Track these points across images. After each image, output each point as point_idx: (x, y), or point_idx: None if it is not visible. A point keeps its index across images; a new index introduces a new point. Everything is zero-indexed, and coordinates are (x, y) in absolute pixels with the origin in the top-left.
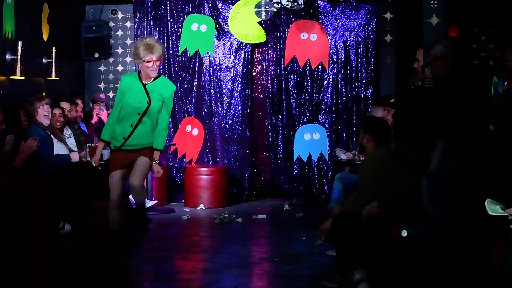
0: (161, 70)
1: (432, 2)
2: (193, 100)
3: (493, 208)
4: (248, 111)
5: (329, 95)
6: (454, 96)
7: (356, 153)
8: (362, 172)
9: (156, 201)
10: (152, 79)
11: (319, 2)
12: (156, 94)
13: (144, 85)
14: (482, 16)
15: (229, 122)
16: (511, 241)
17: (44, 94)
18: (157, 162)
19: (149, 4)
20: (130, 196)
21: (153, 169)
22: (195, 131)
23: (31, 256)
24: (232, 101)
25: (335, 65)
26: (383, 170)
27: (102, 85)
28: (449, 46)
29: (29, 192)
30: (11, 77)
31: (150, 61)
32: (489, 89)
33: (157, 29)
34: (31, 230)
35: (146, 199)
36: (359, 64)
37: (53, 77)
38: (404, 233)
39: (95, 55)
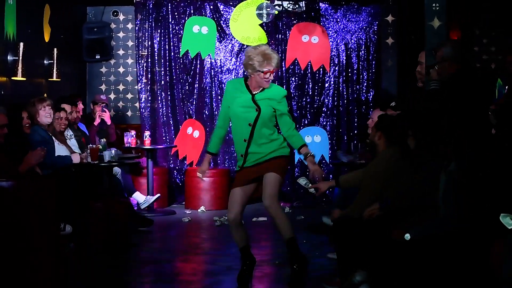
0: (162, 72)
1: (433, 4)
2: (194, 102)
3: (507, 222)
4: None
5: (330, 98)
6: (458, 98)
7: (360, 153)
8: (365, 174)
9: (159, 195)
10: (261, 89)
11: (320, 4)
12: (265, 101)
13: (253, 94)
14: (484, 18)
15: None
16: (511, 241)
17: (45, 95)
18: (311, 154)
19: (151, 6)
20: (134, 196)
21: (310, 167)
22: (196, 133)
23: (31, 256)
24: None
25: (337, 68)
26: (387, 173)
27: (103, 87)
28: (457, 48)
29: (30, 193)
30: (13, 78)
31: (268, 72)
32: (493, 91)
33: (159, 31)
34: (31, 230)
35: (148, 196)
36: (360, 67)
37: (54, 78)
38: (407, 237)
39: (97, 57)
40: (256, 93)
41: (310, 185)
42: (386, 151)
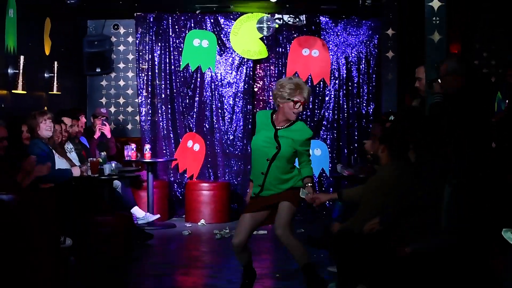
0: (163, 86)
1: (434, 18)
2: (194, 116)
3: (509, 237)
4: (250, 126)
5: (330, 111)
6: (464, 112)
7: (359, 168)
8: (366, 188)
9: (158, 215)
10: (287, 124)
11: (321, 18)
12: (288, 140)
13: (277, 129)
14: (484, 32)
15: (231, 138)
16: None
17: (45, 108)
18: (309, 184)
19: (151, 19)
20: (132, 210)
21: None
22: (197, 147)
23: (32, 269)
24: (234, 116)
25: (337, 81)
26: (388, 188)
27: (103, 100)
28: (462, 62)
29: (30, 206)
30: (13, 91)
31: (298, 102)
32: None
33: (159, 44)
34: (31, 243)
35: (148, 214)
36: (360, 80)
37: (55, 92)
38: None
39: (97, 70)
40: (279, 129)
41: (309, 194)
42: (388, 165)
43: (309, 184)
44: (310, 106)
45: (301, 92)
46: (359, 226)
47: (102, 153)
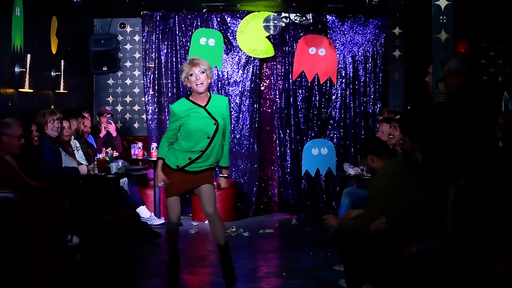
0: (169, 84)
1: (441, 17)
2: None
3: None
4: (256, 125)
5: (337, 110)
6: (464, 111)
7: (364, 168)
8: (370, 188)
9: (163, 220)
10: (207, 100)
11: (327, 17)
12: (218, 113)
13: (204, 107)
14: (491, 31)
15: (237, 137)
16: None
17: (52, 107)
18: (225, 176)
19: (158, 18)
20: (138, 209)
21: (221, 184)
22: None
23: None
24: (240, 115)
25: (344, 80)
26: (392, 186)
27: (110, 99)
28: (463, 61)
29: (37, 204)
30: (20, 89)
31: (193, 73)
32: (499, 105)
33: (166, 43)
34: (38, 242)
35: (153, 216)
36: (367, 79)
37: (61, 90)
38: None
39: (104, 69)
40: (206, 105)
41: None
42: (388, 164)
43: (225, 175)
44: (317, 105)
45: (194, 65)
46: (365, 225)
47: (109, 152)
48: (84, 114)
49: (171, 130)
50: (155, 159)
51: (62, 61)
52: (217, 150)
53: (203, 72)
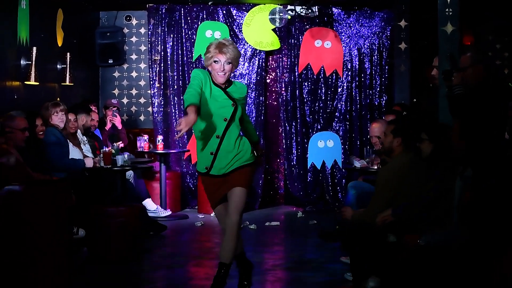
0: (175, 77)
1: (447, 10)
2: None
3: None
4: (262, 118)
5: (343, 103)
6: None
7: (370, 159)
8: (378, 180)
9: (169, 212)
10: (228, 83)
11: (333, 9)
12: (237, 97)
13: (224, 88)
14: (497, 24)
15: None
16: None
17: (58, 99)
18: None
19: (163, 11)
20: (144, 202)
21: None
22: None
23: (44, 260)
24: (246, 107)
25: (349, 73)
26: (399, 179)
27: (116, 91)
28: (483, 54)
29: (43, 197)
30: (26, 82)
31: (218, 61)
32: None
33: (171, 35)
34: (44, 234)
35: (159, 208)
36: (373, 72)
37: (67, 83)
38: None
39: (109, 61)
40: (226, 87)
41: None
42: (399, 157)
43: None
44: (323, 98)
45: (222, 52)
46: (371, 217)
47: (115, 144)
48: (91, 108)
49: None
50: (161, 151)
51: (68, 53)
52: (236, 141)
53: (230, 63)
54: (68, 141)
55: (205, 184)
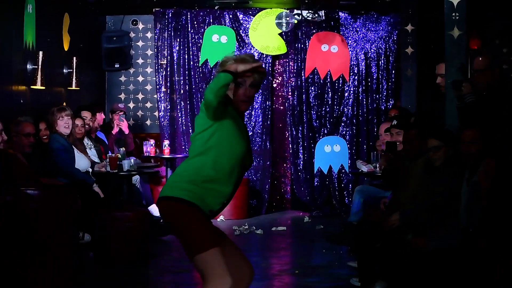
0: (181, 82)
1: (453, 14)
2: None
3: None
4: (269, 122)
5: (350, 107)
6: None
7: (377, 165)
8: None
9: None
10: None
11: (340, 13)
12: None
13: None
14: (504, 28)
15: (250, 134)
16: None
17: (64, 104)
18: None
19: (170, 15)
20: (150, 208)
21: None
22: None
23: (51, 264)
24: (253, 112)
25: (356, 77)
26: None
27: (122, 96)
28: (491, 59)
29: (50, 202)
30: (32, 87)
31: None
32: None
33: (178, 40)
34: (51, 238)
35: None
36: (380, 76)
37: (73, 87)
38: None
39: (116, 66)
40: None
41: None
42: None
43: None
44: (329, 102)
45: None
46: (407, 200)
47: (121, 149)
48: (96, 113)
49: None
50: (167, 156)
51: (74, 58)
52: None
53: (256, 86)
54: (74, 147)
55: (201, 221)
